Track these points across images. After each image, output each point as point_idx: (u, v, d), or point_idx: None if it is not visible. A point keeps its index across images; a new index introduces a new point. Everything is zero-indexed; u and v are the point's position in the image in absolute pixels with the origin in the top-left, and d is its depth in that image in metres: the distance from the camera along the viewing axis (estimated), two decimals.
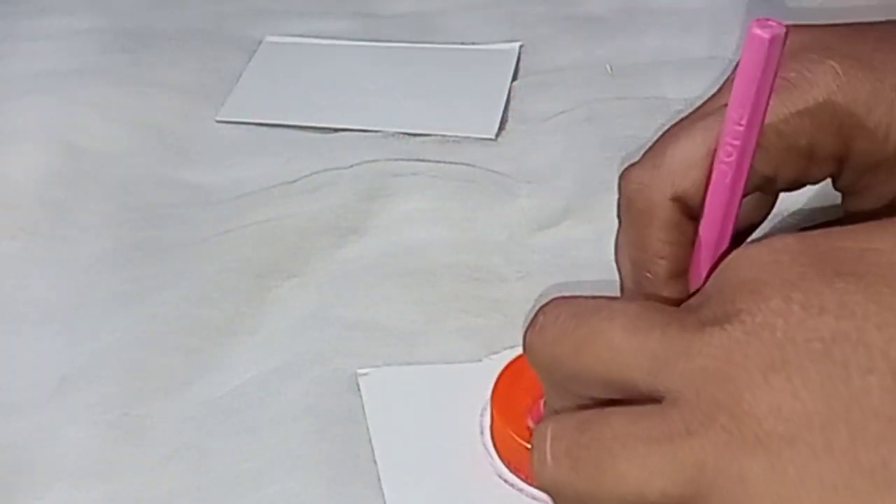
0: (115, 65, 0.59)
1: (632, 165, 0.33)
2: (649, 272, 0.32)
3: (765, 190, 0.34)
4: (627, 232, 0.33)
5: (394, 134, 0.54)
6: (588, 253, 0.46)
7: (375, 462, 0.38)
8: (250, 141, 0.55)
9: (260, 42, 0.62)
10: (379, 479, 0.37)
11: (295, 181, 0.51)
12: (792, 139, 0.31)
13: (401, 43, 0.61)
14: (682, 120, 0.33)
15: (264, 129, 0.56)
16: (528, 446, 0.35)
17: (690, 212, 0.32)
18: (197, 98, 0.57)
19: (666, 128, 0.33)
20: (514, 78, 0.58)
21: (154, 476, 0.38)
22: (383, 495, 0.37)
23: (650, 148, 0.33)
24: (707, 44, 0.59)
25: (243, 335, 0.43)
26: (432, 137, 0.54)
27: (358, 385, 0.41)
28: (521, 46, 0.60)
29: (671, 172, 0.31)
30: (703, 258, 0.31)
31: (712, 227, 0.31)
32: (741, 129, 0.28)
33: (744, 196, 0.30)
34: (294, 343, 0.43)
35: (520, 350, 0.39)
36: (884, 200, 0.34)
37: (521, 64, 0.59)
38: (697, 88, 0.53)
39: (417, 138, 0.54)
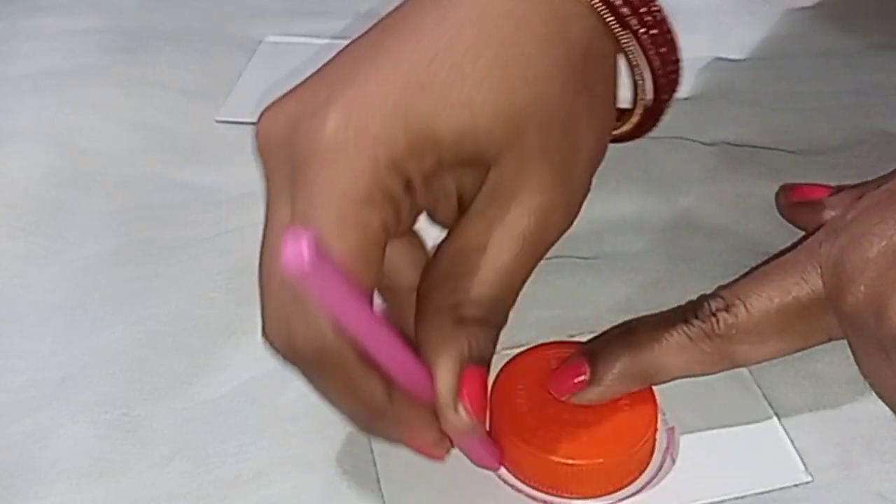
0: (115, 65, 0.59)
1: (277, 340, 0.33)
2: (374, 409, 0.33)
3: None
4: (335, 393, 0.34)
5: None
6: (588, 252, 0.46)
7: (374, 462, 0.38)
8: (250, 141, 0.55)
9: (260, 42, 0.62)
10: (378, 480, 0.37)
11: None
12: (373, 199, 0.32)
13: None
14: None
15: None
16: (528, 446, 0.35)
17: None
18: (197, 98, 0.57)
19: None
20: None
21: (154, 476, 0.38)
22: (382, 496, 0.37)
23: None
24: (707, 44, 0.59)
25: (243, 335, 0.43)
26: None
27: None
28: None
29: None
30: (394, 369, 0.32)
31: (378, 346, 0.32)
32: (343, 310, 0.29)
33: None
34: None
35: (520, 350, 0.39)
36: (453, 198, 0.35)
37: None
38: (697, 88, 0.53)
39: None
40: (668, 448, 0.38)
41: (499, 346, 0.41)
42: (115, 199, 0.51)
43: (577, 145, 0.35)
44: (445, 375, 0.33)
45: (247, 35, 0.62)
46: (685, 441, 0.38)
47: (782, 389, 0.40)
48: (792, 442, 0.38)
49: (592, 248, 0.46)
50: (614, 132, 0.38)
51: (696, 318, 0.36)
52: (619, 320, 0.38)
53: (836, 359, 0.41)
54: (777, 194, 0.45)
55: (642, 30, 0.35)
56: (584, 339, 0.39)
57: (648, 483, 0.37)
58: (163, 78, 0.58)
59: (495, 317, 0.34)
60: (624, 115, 0.38)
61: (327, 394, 0.34)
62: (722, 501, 0.36)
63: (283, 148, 0.33)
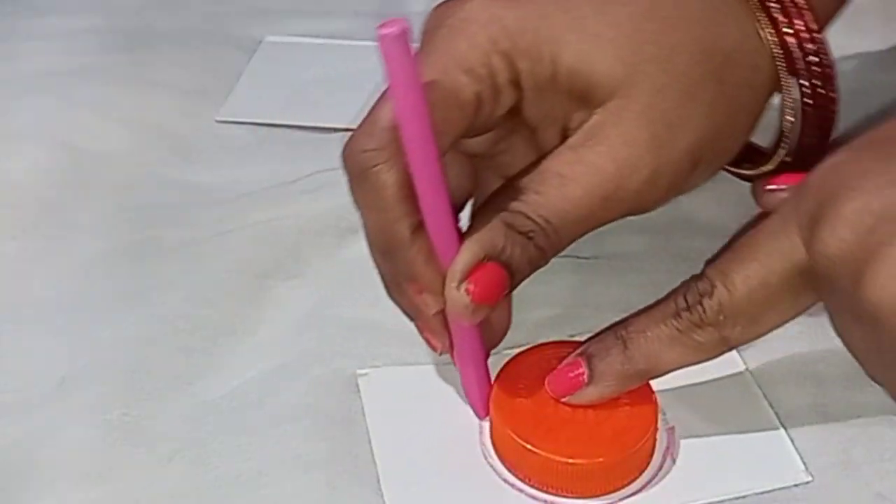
0: (115, 65, 0.59)
1: (352, 137, 0.36)
2: (396, 234, 0.35)
3: (468, 137, 0.36)
4: (366, 205, 0.36)
5: None
6: (588, 252, 0.46)
7: (374, 462, 0.38)
8: (250, 141, 0.55)
9: (260, 42, 0.62)
10: (378, 479, 0.37)
11: (295, 181, 0.51)
12: (475, 73, 0.34)
13: None
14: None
15: (264, 129, 0.56)
16: (528, 447, 0.35)
17: None
18: (197, 98, 0.57)
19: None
20: None
21: (154, 476, 0.38)
22: (382, 496, 0.37)
23: (367, 116, 0.36)
24: None
25: (243, 335, 0.43)
26: None
27: (357, 385, 0.41)
28: None
29: (394, 132, 0.33)
30: (433, 213, 0.34)
31: (426, 191, 0.33)
32: (408, 110, 0.32)
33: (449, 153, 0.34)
34: (294, 343, 0.43)
35: (520, 350, 0.39)
36: (561, 125, 0.37)
37: None
38: None
39: None
40: (668, 448, 0.38)
41: (499, 346, 0.41)
42: (115, 199, 0.51)
43: (685, 126, 0.36)
44: (466, 254, 0.34)
45: (247, 35, 0.62)
46: (685, 441, 0.38)
47: (782, 389, 0.40)
48: (792, 441, 0.38)
49: (592, 248, 0.45)
50: (750, 170, 0.40)
51: (685, 308, 0.35)
52: (620, 319, 0.38)
53: (836, 359, 0.41)
54: (753, 185, 0.45)
55: (807, 81, 0.37)
56: (583, 339, 0.39)
57: (648, 483, 0.37)
58: (163, 78, 0.58)
59: (543, 241, 0.35)
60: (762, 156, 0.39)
61: (358, 200, 0.36)
62: (722, 501, 0.36)
63: (431, 23, 0.37)
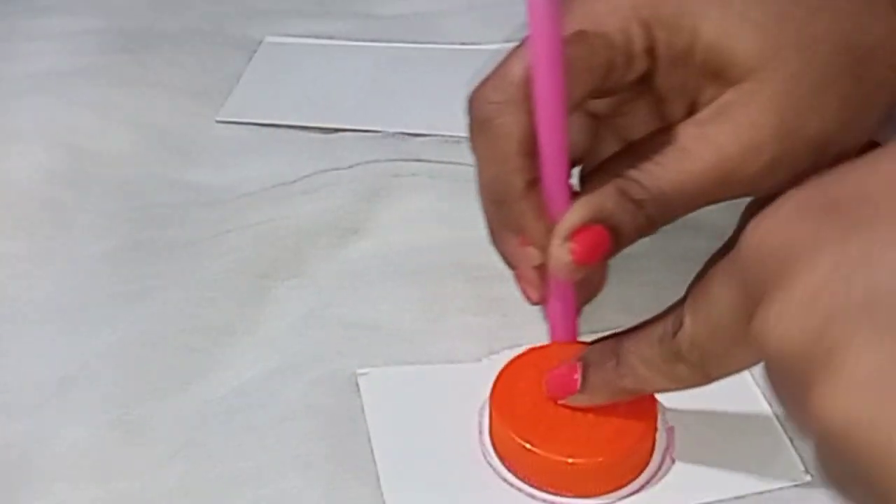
0: (115, 65, 0.59)
1: (480, 86, 0.36)
2: (511, 186, 0.36)
3: (595, 98, 0.37)
4: (485, 155, 0.36)
5: (394, 134, 0.54)
6: None
7: (374, 462, 0.38)
8: (250, 141, 0.55)
9: (260, 42, 0.62)
10: (378, 479, 0.37)
11: (295, 181, 0.51)
12: (610, 37, 0.35)
13: (401, 43, 0.61)
14: (522, 42, 0.36)
15: (264, 129, 0.56)
16: (528, 446, 0.35)
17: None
18: (197, 98, 0.57)
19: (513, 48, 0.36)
20: None
21: (154, 476, 0.38)
22: (382, 495, 0.37)
23: (496, 68, 0.36)
24: None
25: (243, 335, 0.43)
26: (432, 137, 0.54)
27: (357, 385, 0.41)
28: None
29: (522, 87, 0.34)
30: (551, 169, 0.35)
31: (548, 147, 0.34)
32: (545, 64, 0.33)
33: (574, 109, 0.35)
34: (294, 343, 0.43)
35: (520, 350, 0.39)
36: (689, 98, 0.36)
37: None
38: None
39: (417, 138, 0.54)
40: (668, 448, 0.38)
41: (499, 347, 0.41)
42: (115, 199, 0.51)
43: (814, 117, 0.35)
44: (575, 214, 0.35)
45: (247, 35, 0.62)
46: (685, 441, 0.38)
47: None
48: (791, 441, 0.38)
49: None
50: None
51: (668, 336, 0.33)
52: (620, 320, 0.38)
53: None
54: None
55: None
56: (584, 338, 0.39)
57: (648, 483, 0.37)
58: (163, 78, 0.58)
59: (654, 210, 0.35)
60: None
61: (477, 149, 0.37)
62: (721, 501, 0.36)
63: None
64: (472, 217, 0.49)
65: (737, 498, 0.36)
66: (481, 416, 0.39)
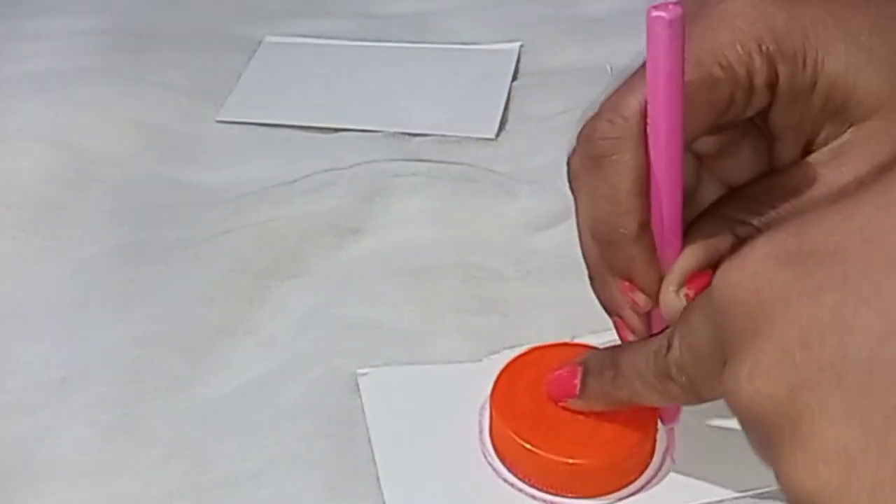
0: (115, 65, 0.59)
1: (593, 120, 0.34)
2: (622, 228, 0.34)
3: (708, 134, 0.35)
4: (594, 193, 0.34)
5: (394, 134, 0.54)
6: None
7: (374, 461, 0.38)
8: (250, 141, 0.55)
9: (260, 42, 0.62)
10: (378, 479, 0.37)
11: (295, 181, 0.51)
12: (732, 70, 0.33)
13: (401, 43, 0.61)
14: (635, 73, 0.34)
15: (264, 129, 0.56)
16: (528, 446, 0.35)
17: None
18: (197, 98, 0.57)
19: (619, 82, 0.34)
20: (514, 78, 0.58)
21: (154, 476, 0.38)
22: (382, 495, 0.37)
23: (607, 102, 0.34)
24: None
25: (243, 335, 0.43)
26: (432, 137, 0.54)
27: (357, 385, 0.41)
28: (521, 46, 0.60)
29: (638, 123, 0.32)
30: (664, 210, 0.33)
31: (664, 188, 0.33)
32: (664, 101, 0.31)
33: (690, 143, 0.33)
34: (294, 343, 0.43)
35: (520, 350, 0.39)
36: (805, 137, 0.34)
37: (521, 64, 0.59)
38: None
39: (417, 138, 0.54)
40: (668, 448, 0.38)
41: (499, 347, 0.41)
42: (115, 199, 0.51)
43: None
44: (689, 259, 0.34)
45: (247, 35, 0.62)
46: (686, 441, 0.38)
47: None
48: None
49: None
50: None
51: (661, 354, 0.32)
52: None
53: None
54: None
55: None
56: (584, 339, 0.39)
57: (648, 483, 0.37)
58: (163, 78, 0.58)
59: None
60: None
61: (584, 186, 0.35)
62: (721, 501, 0.36)
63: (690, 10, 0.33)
64: (472, 217, 0.49)
65: (736, 497, 0.36)
66: (481, 415, 0.39)
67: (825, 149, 0.34)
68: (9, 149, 0.52)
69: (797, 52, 0.33)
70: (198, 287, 0.45)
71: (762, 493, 0.37)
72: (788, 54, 0.33)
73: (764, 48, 0.33)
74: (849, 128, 0.33)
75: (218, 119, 0.56)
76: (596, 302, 0.43)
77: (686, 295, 0.33)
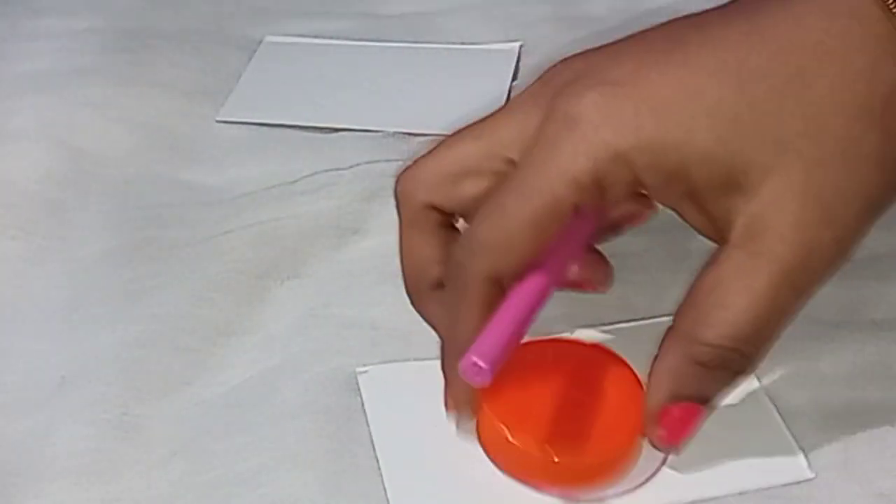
0: (115, 65, 0.59)
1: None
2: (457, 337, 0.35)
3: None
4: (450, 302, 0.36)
5: (394, 134, 0.54)
6: None
7: (375, 460, 0.38)
8: (250, 141, 0.55)
9: (260, 42, 0.62)
10: (378, 479, 0.37)
11: (295, 181, 0.51)
12: (579, 181, 0.33)
13: (401, 43, 0.61)
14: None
15: (264, 129, 0.56)
16: (515, 442, 0.35)
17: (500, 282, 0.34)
18: (197, 98, 0.57)
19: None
20: (514, 78, 0.58)
21: (154, 475, 0.38)
22: (384, 493, 0.37)
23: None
24: None
25: (243, 335, 0.43)
26: (432, 137, 0.54)
27: (357, 384, 0.41)
28: (521, 46, 0.60)
29: (492, 254, 0.34)
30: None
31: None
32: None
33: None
34: (293, 342, 0.43)
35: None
36: (703, 214, 0.34)
37: (521, 64, 0.59)
38: None
39: (417, 138, 0.54)
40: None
41: None
42: (115, 199, 0.51)
43: (856, 184, 0.33)
44: (659, 394, 0.34)
45: (247, 35, 0.62)
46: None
47: (784, 388, 0.40)
48: (795, 439, 0.38)
49: None
50: None
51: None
52: (620, 319, 0.38)
53: (837, 358, 0.41)
54: None
55: None
56: (573, 335, 0.39)
57: (650, 477, 0.37)
58: (163, 78, 0.58)
59: (736, 357, 0.34)
60: None
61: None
62: (723, 496, 0.36)
63: (547, 88, 0.35)
64: None
65: (739, 494, 0.36)
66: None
67: (738, 226, 0.33)
68: (8, 149, 0.52)
69: (653, 140, 0.32)
70: (197, 287, 0.45)
71: (764, 490, 0.37)
72: (646, 146, 0.32)
73: (614, 150, 0.32)
74: (749, 200, 0.33)
75: (218, 119, 0.56)
76: (596, 300, 0.43)
77: (661, 433, 0.35)
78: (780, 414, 0.39)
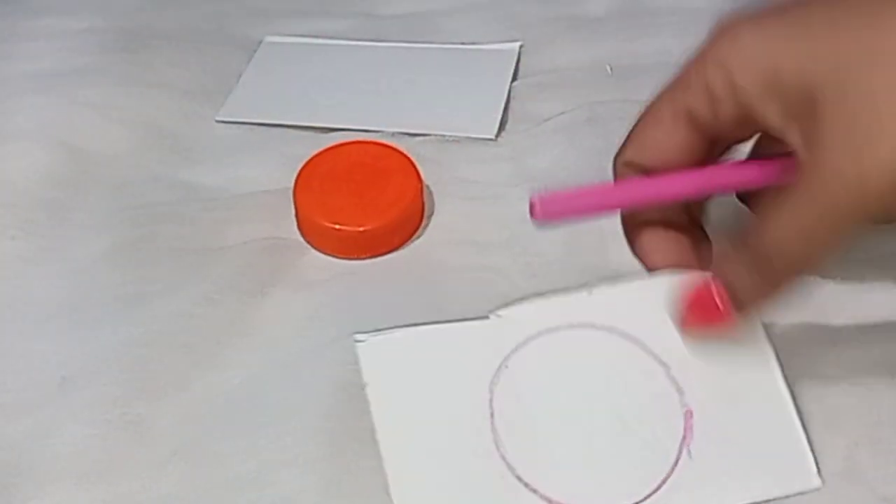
0: (115, 65, 0.59)
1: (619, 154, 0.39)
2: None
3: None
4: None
5: (394, 134, 0.54)
6: (588, 252, 0.46)
7: (375, 459, 0.38)
8: (250, 141, 0.55)
9: (260, 42, 0.62)
10: (379, 479, 0.37)
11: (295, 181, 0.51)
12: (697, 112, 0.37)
13: (401, 43, 0.61)
14: (655, 102, 0.38)
15: (264, 129, 0.56)
16: (329, 224, 0.46)
17: None
18: (197, 98, 0.57)
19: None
20: (514, 78, 0.58)
21: (154, 475, 0.38)
22: (385, 488, 0.36)
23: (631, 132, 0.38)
24: None
25: (243, 335, 0.43)
26: (432, 137, 0.54)
27: (357, 355, 0.38)
28: (521, 46, 0.60)
29: (631, 146, 0.38)
30: None
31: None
32: None
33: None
34: (293, 343, 0.43)
35: (521, 304, 0.38)
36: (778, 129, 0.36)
37: (521, 64, 0.59)
38: None
39: (417, 138, 0.54)
40: (685, 438, 0.37)
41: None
42: (114, 199, 0.51)
43: None
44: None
45: (247, 35, 0.62)
46: (700, 431, 0.37)
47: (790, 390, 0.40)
48: (811, 445, 0.37)
49: None
50: None
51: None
52: None
53: (843, 361, 0.41)
54: None
55: None
56: (388, 141, 0.50)
57: (665, 480, 0.36)
58: (163, 78, 0.58)
59: (772, 268, 0.35)
60: None
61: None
62: None
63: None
64: (473, 217, 0.49)
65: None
66: (491, 388, 0.37)
67: (803, 142, 0.34)
68: (8, 149, 0.52)
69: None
70: (198, 287, 0.45)
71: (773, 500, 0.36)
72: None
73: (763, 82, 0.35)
74: (816, 117, 0.34)
75: (218, 119, 0.56)
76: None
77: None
78: (800, 417, 0.38)
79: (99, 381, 0.41)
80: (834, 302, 0.43)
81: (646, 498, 0.36)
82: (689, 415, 0.37)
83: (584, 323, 0.38)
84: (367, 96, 0.57)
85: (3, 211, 0.49)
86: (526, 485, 0.36)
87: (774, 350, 0.39)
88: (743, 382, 0.38)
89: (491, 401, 0.37)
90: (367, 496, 0.37)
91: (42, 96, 0.56)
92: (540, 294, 0.39)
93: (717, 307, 0.36)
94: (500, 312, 0.39)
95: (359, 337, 0.38)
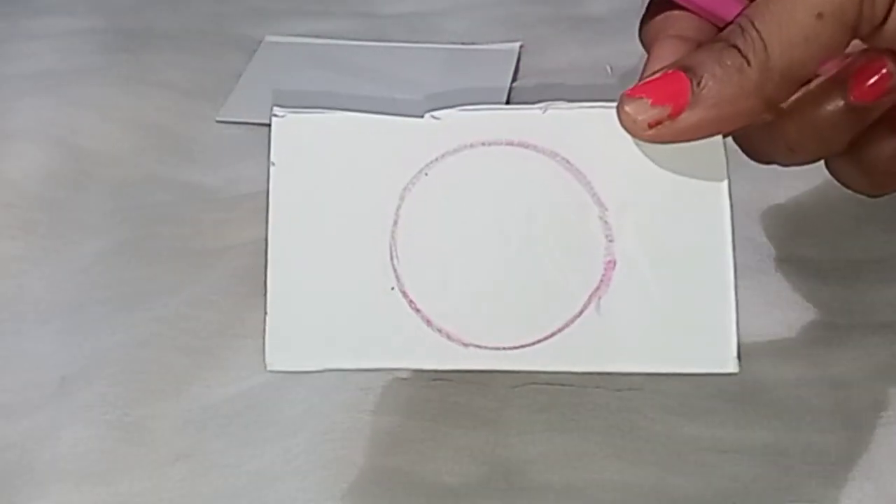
0: (115, 65, 0.59)
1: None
2: None
3: None
4: None
5: None
6: None
7: (378, 465, 0.38)
8: (250, 141, 0.55)
9: (260, 42, 0.62)
10: (381, 487, 0.37)
11: None
12: None
13: (401, 43, 0.61)
14: None
15: (264, 129, 0.55)
16: None
17: None
18: (197, 98, 0.57)
19: None
20: (514, 78, 0.58)
21: (154, 477, 0.38)
22: (383, 466, 0.35)
23: None
24: None
25: (244, 337, 0.43)
26: None
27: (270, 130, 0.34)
28: (521, 46, 0.60)
29: None
30: None
31: None
32: None
33: None
34: None
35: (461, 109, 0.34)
36: None
37: (521, 64, 0.59)
38: None
39: None
40: (597, 289, 0.31)
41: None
42: (115, 199, 0.51)
43: None
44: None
45: (247, 35, 0.62)
46: (617, 286, 0.31)
47: (793, 390, 0.40)
48: (737, 322, 0.31)
49: None
50: None
51: None
52: None
53: (849, 360, 0.41)
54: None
55: None
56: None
57: (559, 329, 0.30)
58: (163, 78, 0.58)
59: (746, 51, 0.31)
60: None
61: None
62: (636, 374, 0.30)
63: None
64: None
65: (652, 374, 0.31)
66: (410, 181, 0.33)
67: None
68: (8, 149, 0.52)
69: None
70: (198, 288, 0.45)
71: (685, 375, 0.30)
72: None
73: None
74: None
75: (218, 119, 0.56)
76: None
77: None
78: (735, 290, 0.31)
79: (100, 382, 0.41)
80: (838, 302, 0.43)
81: (533, 343, 0.31)
82: (610, 265, 0.31)
83: (526, 142, 0.33)
84: (367, 96, 0.57)
85: (3, 211, 0.49)
86: (410, 302, 0.31)
87: (731, 217, 0.33)
88: (685, 245, 0.32)
89: (399, 207, 0.32)
90: (366, 500, 0.37)
91: (42, 96, 0.56)
92: (489, 103, 0.34)
93: (685, 91, 0.31)
94: (437, 114, 0.35)
95: (277, 111, 0.34)
